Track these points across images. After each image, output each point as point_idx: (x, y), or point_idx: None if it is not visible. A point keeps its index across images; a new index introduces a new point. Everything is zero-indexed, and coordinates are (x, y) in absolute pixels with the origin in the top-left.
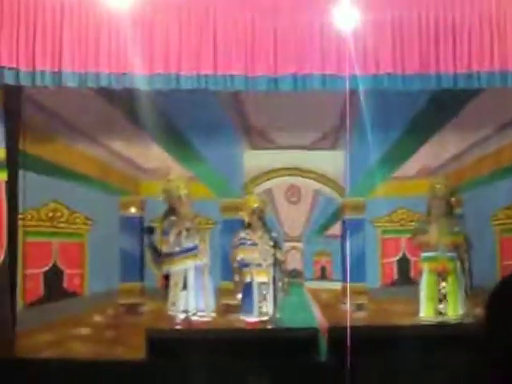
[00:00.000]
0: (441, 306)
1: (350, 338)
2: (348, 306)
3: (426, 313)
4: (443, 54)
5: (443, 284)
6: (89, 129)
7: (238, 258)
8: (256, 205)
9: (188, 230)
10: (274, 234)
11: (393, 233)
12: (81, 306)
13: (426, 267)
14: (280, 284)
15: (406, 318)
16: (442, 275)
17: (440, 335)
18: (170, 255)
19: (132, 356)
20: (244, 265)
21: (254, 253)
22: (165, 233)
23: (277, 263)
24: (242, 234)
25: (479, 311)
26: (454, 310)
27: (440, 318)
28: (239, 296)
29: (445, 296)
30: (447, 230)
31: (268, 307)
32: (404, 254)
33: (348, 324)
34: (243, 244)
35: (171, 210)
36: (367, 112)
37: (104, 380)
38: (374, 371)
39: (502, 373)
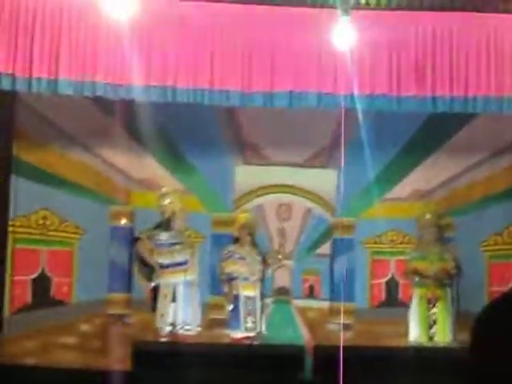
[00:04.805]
0: (431, 332)
1: (340, 357)
2: (341, 324)
3: (415, 337)
4: (440, 77)
5: (434, 310)
6: (82, 137)
7: (226, 271)
8: (245, 220)
9: (179, 244)
10: (262, 250)
11: (382, 254)
12: (68, 315)
13: (416, 293)
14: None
15: (393, 340)
16: (432, 302)
17: (427, 357)
18: (161, 268)
19: (117, 366)
20: (231, 278)
21: (242, 266)
22: (155, 245)
23: (265, 279)
24: (231, 248)
25: (464, 336)
26: (444, 336)
27: (430, 344)
28: (230, 307)
29: (435, 322)
30: (438, 257)
31: (255, 323)
32: (393, 276)
33: (341, 343)
34: (231, 257)
35: (164, 223)
36: (361, 132)
37: None
38: None
39: None
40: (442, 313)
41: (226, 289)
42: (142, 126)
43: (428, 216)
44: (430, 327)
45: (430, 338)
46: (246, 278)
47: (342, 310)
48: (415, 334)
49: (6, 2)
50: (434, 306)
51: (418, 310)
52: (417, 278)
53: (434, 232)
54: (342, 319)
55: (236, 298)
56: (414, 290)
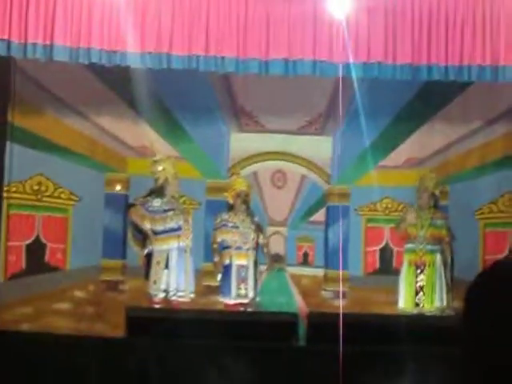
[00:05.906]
0: (417, 298)
1: (340, 324)
2: (340, 291)
3: (404, 304)
4: (435, 45)
5: (421, 276)
6: (78, 104)
7: (219, 240)
8: (241, 187)
9: (173, 210)
10: (256, 219)
11: (377, 222)
12: (62, 281)
13: (406, 258)
14: (264, 267)
15: (386, 308)
16: (419, 267)
17: (417, 326)
18: (154, 234)
19: (111, 333)
20: (224, 247)
21: (235, 235)
22: (148, 211)
23: (259, 247)
24: (224, 216)
25: (459, 304)
26: (431, 303)
27: (416, 310)
28: (219, 277)
29: (421, 288)
30: (429, 223)
31: (247, 290)
32: (387, 244)
33: (340, 310)
34: (224, 226)
35: (157, 190)
36: (356, 100)
37: (81, 355)
38: (353, 358)
39: (476, 365)
40: (429, 279)
41: (215, 258)
42: (138, 93)
43: (425, 182)
44: (417, 293)
45: (417, 305)
46: (238, 247)
47: (340, 277)
48: (403, 300)
49: None
50: (421, 272)
51: (405, 276)
52: (406, 244)
53: (428, 198)
54: (337, 287)
55: (228, 267)
56: (404, 255)
